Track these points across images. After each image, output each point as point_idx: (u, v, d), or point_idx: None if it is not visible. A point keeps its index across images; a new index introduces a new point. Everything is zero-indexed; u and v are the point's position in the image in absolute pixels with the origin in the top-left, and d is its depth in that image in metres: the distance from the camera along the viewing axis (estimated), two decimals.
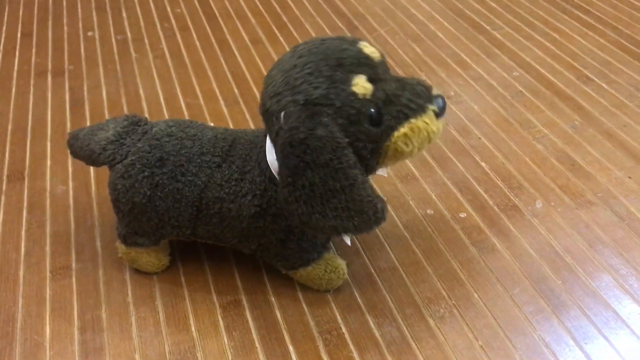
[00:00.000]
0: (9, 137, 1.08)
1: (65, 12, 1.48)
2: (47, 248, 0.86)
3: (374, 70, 0.58)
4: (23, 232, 0.88)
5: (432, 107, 0.58)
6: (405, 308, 0.75)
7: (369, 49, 0.59)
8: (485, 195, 0.91)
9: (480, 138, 1.02)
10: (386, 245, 0.83)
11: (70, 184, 0.96)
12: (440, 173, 0.95)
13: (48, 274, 0.82)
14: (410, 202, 0.90)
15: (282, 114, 0.56)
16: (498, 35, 1.30)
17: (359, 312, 0.75)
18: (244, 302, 0.76)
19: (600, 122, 1.04)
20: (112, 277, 0.81)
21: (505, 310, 0.74)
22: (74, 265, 0.83)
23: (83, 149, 0.73)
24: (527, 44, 1.26)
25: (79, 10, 1.48)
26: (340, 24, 1.36)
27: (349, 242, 0.73)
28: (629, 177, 0.92)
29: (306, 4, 1.45)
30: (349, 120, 0.55)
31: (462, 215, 0.88)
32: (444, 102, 0.59)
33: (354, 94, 0.56)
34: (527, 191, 0.91)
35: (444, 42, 1.29)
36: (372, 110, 0.56)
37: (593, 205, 0.88)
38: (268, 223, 0.65)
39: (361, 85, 0.56)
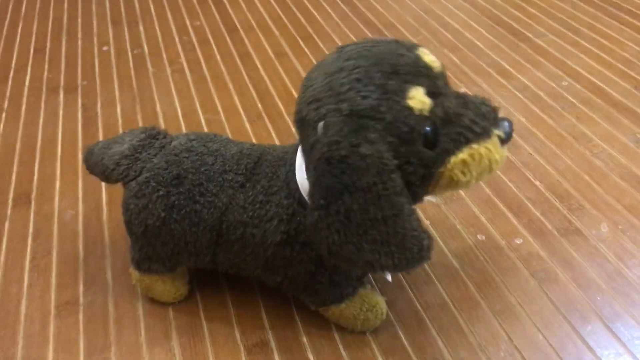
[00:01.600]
0: (16, 157, 1.00)
1: (80, 26, 1.41)
2: (53, 280, 0.77)
3: (434, 83, 0.49)
4: (27, 262, 0.80)
5: (498, 132, 0.49)
6: (459, 350, 0.65)
7: (429, 57, 0.51)
8: (543, 218, 0.80)
9: (531, 154, 0.92)
10: (433, 277, 0.73)
11: (80, 207, 0.88)
12: (488, 192, 0.85)
13: (52, 309, 0.73)
14: (458, 227, 0.80)
15: (321, 124, 0.48)
16: (541, 43, 1.20)
17: (404, 355, 0.65)
18: (272, 343, 0.67)
19: None
20: (124, 313, 0.72)
21: (576, 354, 0.64)
22: (81, 299, 0.74)
23: (97, 165, 0.67)
24: (574, 51, 1.16)
25: (94, 24, 1.41)
26: (369, 35, 1.27)
27: (389, 278, 0.64)
28: None
29: (332, 14, 1.37)
30: (400, 138, 0.47)
31: (518, 242, 0.77)
32: (511, 127, 0.51)
33: (409, 108, 0.47)
34: (589, 213, 0.81)
35: (483, 50, 1.19)
36: (429, 129, 0.48)
37: None
38: (296, 252, 0.57)
39: (418, 99, 0.48)
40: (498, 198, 0.84)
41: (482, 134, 0.49)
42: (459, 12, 1.35)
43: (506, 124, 0.50)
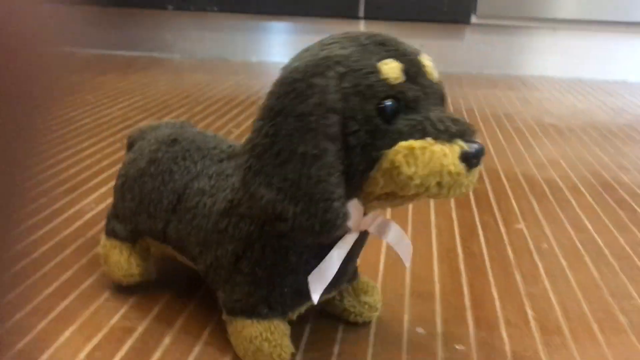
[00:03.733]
0: None
1: None
2: None
3: (417, 77, 0.47)
4: None
5: (462, 143, 0.45)
6: None
7: (428, 62, 0.49)
8: None
9: None
10: None
11: None
12: None
13: None
14: None
15: (296, 63, 0.49)
16: None
17: None
18: None
19: None
20: None
21: None
22: None
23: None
24: None
25: None
26: None
27: (407, 264, 0.57)
28: None
29: None
30: (355, 89, 0.46)
31: None
32: (480, 151, 0.46)
33: (377, 68, 0.46)
34: None
35: None
36: (389, 103, 0.46)
37: None
38: (231, 226, 0.54)
39: (391, 67, 0.46)
40: None
41: (443, 135, 0.45)
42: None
43: (476, 145, 0.46)
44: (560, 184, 1.02)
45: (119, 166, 0.67)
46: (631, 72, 2.08)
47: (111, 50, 2.19)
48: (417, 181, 0.45)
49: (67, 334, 0.58)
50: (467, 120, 0.47)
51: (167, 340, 0.58)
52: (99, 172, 0.98)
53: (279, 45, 2.19)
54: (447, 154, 0.45)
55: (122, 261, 0.64)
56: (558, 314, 0.63)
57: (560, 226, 0.84)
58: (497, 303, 0.65)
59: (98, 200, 0.87)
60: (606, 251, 0.77)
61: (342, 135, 0.46)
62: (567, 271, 0.72)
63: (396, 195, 0.47)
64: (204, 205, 0.57)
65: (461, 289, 0.67)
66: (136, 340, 0.58)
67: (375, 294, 0.61)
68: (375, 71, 0.46)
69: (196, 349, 0.57)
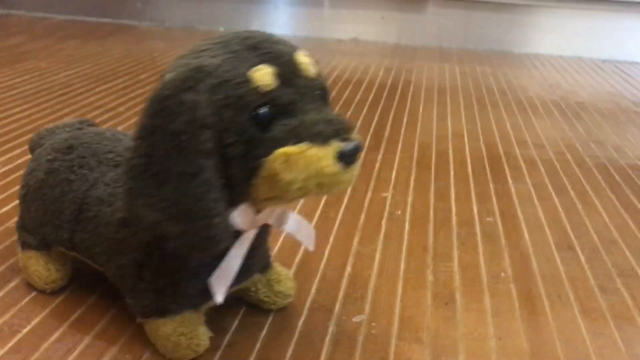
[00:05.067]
0: None
1: None
2: None
3: (292, 78, 0.48)
4: None
5: (337, 144, 0.47)
6: None
7: (304, 59, 0.50)
8: None
9: None
10: None
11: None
12: None
13: None
14: None
15: (171, 74, 0.48)
16: None
17: None
18: None
19: None
20: None
21: None
22: None
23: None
24: None
25: None
26: None
27: (311, 247, 0.59)
28: None
29: None
30: (226, 101, 0.46)
31: None
32: (355, 150, 0.47)
33: (247, 77, 0.47)
34: None
35: None
36: (263, 111, 0.47)
37: None
38: (130, 235, 0.56)
39: (262, 73, 0.47)
40: None
41: (318, 138, 0.46)
42: None
43: (351, 144, 0.47)
44: (451, 156, 1.09)
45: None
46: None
47: (80, 16, 2.26)
48: (297, 185, 0.47)
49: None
50: (343, 118, 0.49)
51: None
52: (21, 141, 1.07)
53: (247, 15, 2.24)
54: (322, 156, 0.46)
55: (41, 269, 0.65)
56: (373, 272, 0.71)
57: (425, 196, 0.92)
58: (324, 261, 0.73)
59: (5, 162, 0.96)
60: (454, 220, 0.85)
61: (220, 147, 0.47)
62: (405, 235, 0.80)
63: (282, 197, 0.48)
64: (104, 214, 0.57)
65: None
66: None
67: (288, 282, 0.63)
68: (246, 80, 0.46)
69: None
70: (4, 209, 0.82)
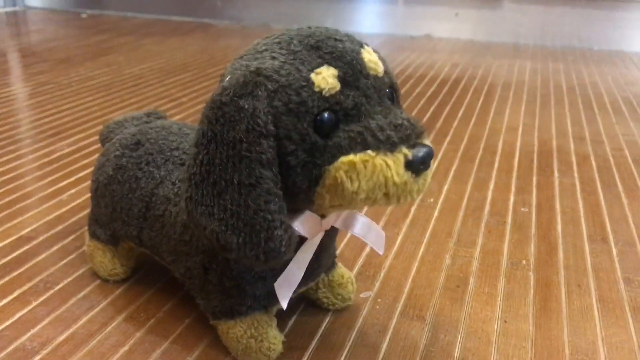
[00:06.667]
0: None
1: None
2: None
3: (357, 79, 0.45)
4: None
5: (406, 151, 0.43)
6: None
7: (370, 57, 0.46)
8: None
9: None
10: None
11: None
12: None
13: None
14: None
15: (229, 77, 0.46)
16: None
17: None
18: None
19: None
20: None
21: None
22: None
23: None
24: None
25: None
26: None
27: (380, 252, 0.57)
28: None
29: None
30: (286, 107, 0.44)
31: None
32: (427, 157, 0.44)
33: (309, 80, 0.44)
34: None
35: None
36: (327, 115, 0.44)
37: None
38: (195, 238, 0.55)
39: (324, 76, 0.43)
40: None
41: (385, 145, 0.43)
42: None
43: (423, 149, 0.43)
44: (500, 149, 1.07)
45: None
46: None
47: (164, 15, 2.39)
48: (362, 195, 0.44)
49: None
50: (414, 121, 0.45)
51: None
52: (86, 126, 1.15)
53: (322, 12, 2.28)
54: (390, 165, 0.43)
55: (106, 262, 0.66)
56: (391, 254, 0.72)
57: (462, 185, 0.92)
58: (344, 241, 0.75)
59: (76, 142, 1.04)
60: (487, 209, 0.84)
61: (280, 155, 0.45)
62: (432, 221, 0.80)
63: (347, 205, 0.46)
64: (170, 214, 0.56)
65: None
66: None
67: (349, 286, 0.62)
68: (307, 84, 0.43)
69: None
70: (64, 185, 0.89)
